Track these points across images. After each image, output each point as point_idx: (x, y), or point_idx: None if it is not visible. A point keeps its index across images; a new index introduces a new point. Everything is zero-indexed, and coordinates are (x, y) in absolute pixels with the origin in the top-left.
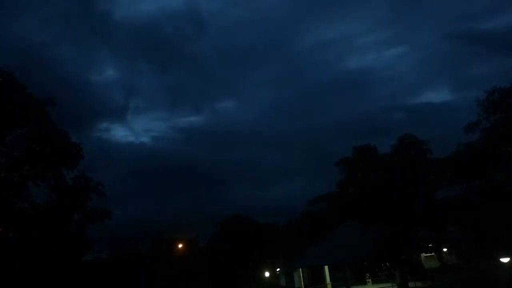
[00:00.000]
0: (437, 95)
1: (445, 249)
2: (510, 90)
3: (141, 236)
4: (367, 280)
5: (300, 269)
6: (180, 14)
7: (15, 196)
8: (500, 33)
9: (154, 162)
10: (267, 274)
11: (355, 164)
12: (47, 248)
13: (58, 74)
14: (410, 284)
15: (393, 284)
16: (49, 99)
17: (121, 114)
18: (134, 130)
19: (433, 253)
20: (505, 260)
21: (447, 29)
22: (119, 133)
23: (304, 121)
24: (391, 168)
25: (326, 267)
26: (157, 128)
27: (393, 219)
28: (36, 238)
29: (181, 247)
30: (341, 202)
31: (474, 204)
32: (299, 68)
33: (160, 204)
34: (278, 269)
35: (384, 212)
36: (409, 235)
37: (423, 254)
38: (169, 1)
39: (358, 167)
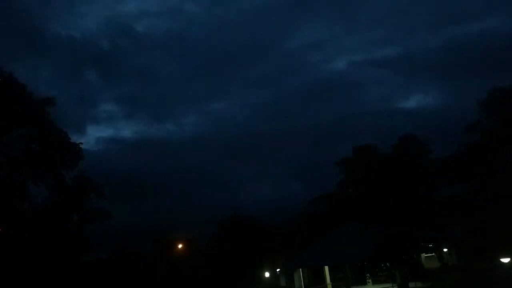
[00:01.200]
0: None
1: (445, 250)
2: (510, 90)
3: (140, 236)
4: (367, 280)
5: (300, 269)
6: (120, 26)
7: (15, 196)
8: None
9: (134, 167)
10: (267, 274)
11: (355, 164)
12: (47, 248)
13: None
14: (410, 284)
15: (394, 284)
16: (48, 99)
17: (80, 125)
18: (100, 139)
19: (433, 254)
20: (505, 260)
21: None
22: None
23: (289, 123)
24: (391, 168)
25: (326, 267)
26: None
27: (393, 219)
28: (36, 238)
29: (181, 247)
30: (341, 202)
31: (474, 204)
32: (285, 70)
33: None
34: (278, 269)
35: (384, 212)
36: (409, 236)
37: (423, 255)
38: (107, 14)
39: (358, 167)
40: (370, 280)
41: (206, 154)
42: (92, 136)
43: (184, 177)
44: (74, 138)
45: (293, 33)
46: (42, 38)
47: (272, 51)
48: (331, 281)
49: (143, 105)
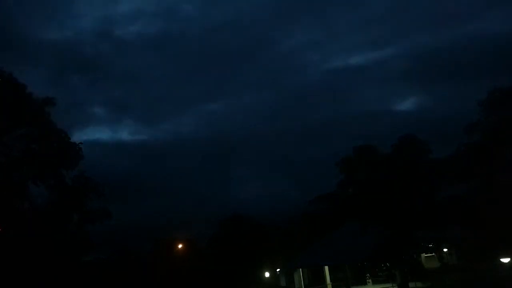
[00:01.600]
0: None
1: (445, 249)
2: (510, 90)
3: (140, 236)
4: (367, 280)
5: (300, 269)
6: (115, 27)
7: (15, 196)
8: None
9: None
10: (267, 274)
11: (355, 164)
12: (47, 248)
13: None
14: (411, 284)
15: (393, 285)
16: (48, 99)
17: (78, 127)
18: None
19: (433, 253)
20: (505, 260)
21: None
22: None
23: (287, 124)
24: (391, 168)
25: (326, 267)
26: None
27: (393, 219)
28: (36, 238)
29: (181, 247)
30: (341, 202)
31: (474, 204)
32: (283, 71)
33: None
34: (278, 269)
35: (384, 212)
36: (409, 236)
37: (423, 254)
38: (102, 15)
39: (358, 167)
40: (370, 280)
41: (205, 155)
42: (91, 137)
43: (184, 177)
44: (73, 138)
45: (290, 34)
46: (37, 40)
47: (269, 52)
48: (331, 281)
49: (140, 107)
